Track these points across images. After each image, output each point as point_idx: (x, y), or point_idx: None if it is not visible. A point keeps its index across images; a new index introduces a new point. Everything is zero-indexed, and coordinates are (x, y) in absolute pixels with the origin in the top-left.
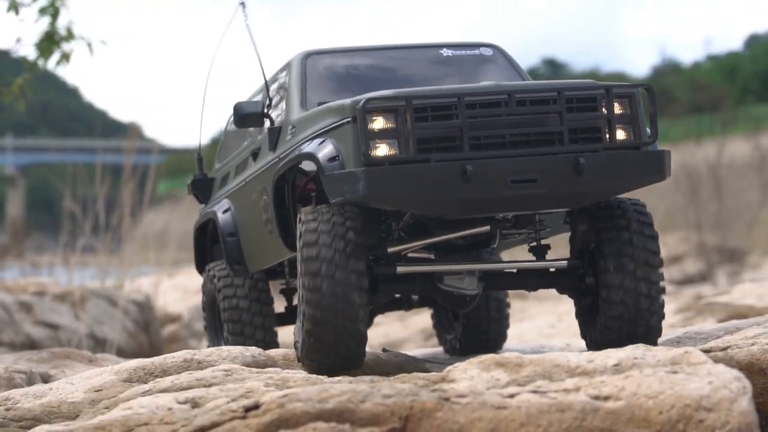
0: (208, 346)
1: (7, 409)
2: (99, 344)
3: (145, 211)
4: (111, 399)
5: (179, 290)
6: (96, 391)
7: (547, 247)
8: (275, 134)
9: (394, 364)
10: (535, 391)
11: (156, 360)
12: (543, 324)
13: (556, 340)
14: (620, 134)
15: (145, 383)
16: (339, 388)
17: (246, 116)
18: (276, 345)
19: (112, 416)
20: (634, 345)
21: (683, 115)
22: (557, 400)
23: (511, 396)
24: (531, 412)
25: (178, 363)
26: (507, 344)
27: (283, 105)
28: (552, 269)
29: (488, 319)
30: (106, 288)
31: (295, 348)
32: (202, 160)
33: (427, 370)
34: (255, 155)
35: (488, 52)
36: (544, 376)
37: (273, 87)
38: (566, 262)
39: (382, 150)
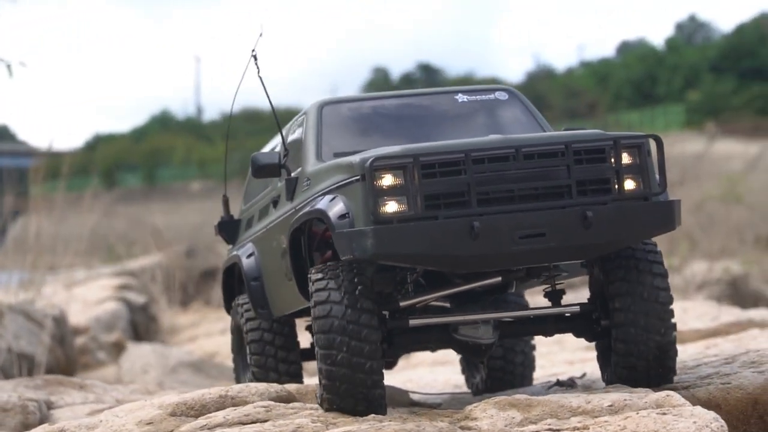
0: (235, 378)
1: None
2: (23, 360)
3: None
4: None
5: (79, 302)
6: (148, 424)
7: (562, 291)
8: (293, 185)
9: (405, 402)
10: (549, 429)
11: (195, 395)
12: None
13: None
14: (629, 184)
15: (190, 416)
16: (391, 427)
17: (262, 167)
18: (301, 379)
19: None
20: (622, 387)
21: (557, 120)
22: None
23: None
24: None
25: (215, 399)
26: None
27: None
28: (567, 314)
29: (513, 362)
30: (21, 303)
31: (320, 403)
32: (228, 201)
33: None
34: (275, 202)
35: (503, 96)
36: (551, 415)
37: (291, 136)
38: (578, 307)
39: (391, 207)
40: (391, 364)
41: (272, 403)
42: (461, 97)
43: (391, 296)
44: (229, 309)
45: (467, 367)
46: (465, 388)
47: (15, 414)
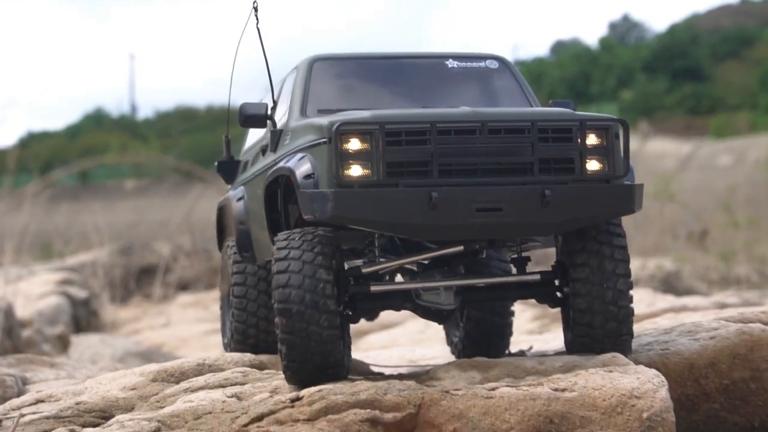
0: (221, 320)
1: (77, 403)
2: None
3: None
4: (157, 396)
5: (21, 296)
6: (132, 389)
7: (528, 258)
8: (277, 137)
9: (366, 374)
10: (509, 386)
11: (174, 364)
12: (413, 330)
13: (425, 344)
14: (594, 166)
15: (171, 382)
16: (365, 385)
17: (249, 117)
18: None
19: (179, 407)
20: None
21: None
22: (529, 392)
23: (494, 389)
24: (511, 400)
25: (193, 367)
26: (381, 346)
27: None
28: (530, 281)
29: (492, 324)
30: None
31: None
32: (229, 141)
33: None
34: (264, 151)
35: (494, 65)
36: (508, 375)
37: (284, 89)
38: (539, 275)
39: (355, 171)
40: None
41: (248, 369)
42: (452, 63)
43: (355, 265)
44: (221, 245)
45: (449, 330)
46: (422, 363)
47: None
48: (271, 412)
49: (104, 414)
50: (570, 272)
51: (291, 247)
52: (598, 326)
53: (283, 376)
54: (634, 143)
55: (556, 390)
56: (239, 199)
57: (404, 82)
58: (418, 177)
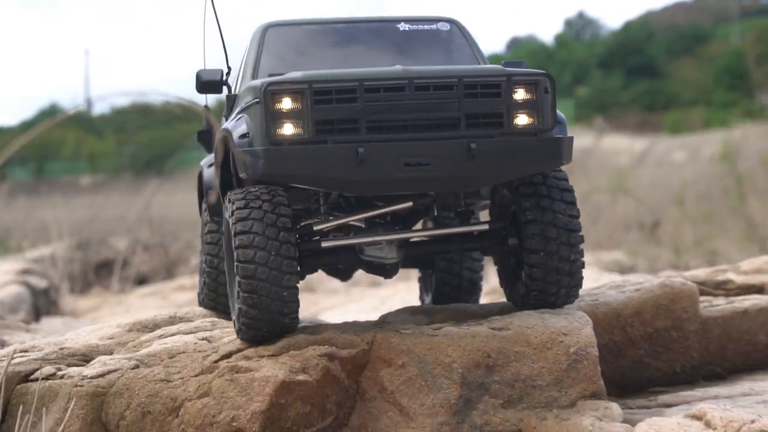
0: (199, 278)
1: (61, 348)
2: None
3: None
4: (134, 342)
5: None
6: (110, 338)
7: (471, 212)
8: (231, 101)
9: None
10: (452, 326)
11: (148, 316)
12: (368, 306)
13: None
14: (522, 120)
15: (145, 332)
16: (324, 327)
17: (205, 83)
18: None
19: (155, 348)
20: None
21: None
22: (470, 330)
23: (439, 328)
24: (453, 337)
25: (166, 319)
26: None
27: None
28: (475, 232)
29: (460, 277)
30: None
31: (234, 325)
32: (209, 110)
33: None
34: (226, 117)
35: (445, 27)
36: (451, 318)
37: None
38: (487, 225)
39: (287, 130)
40: None
41: (216, 319)
42: (404, 26)
43: (308, 220)
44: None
45: (422, 281)
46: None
47: None
48: (239, 350)
49: (86, 357)
50: (523, 228)
51: (251, 206)
52: (553, 280)
53: None
54: (589, 140)
55: (493, 329)
56: (210, 165)
57: (356, 46)
58: (347, 134)
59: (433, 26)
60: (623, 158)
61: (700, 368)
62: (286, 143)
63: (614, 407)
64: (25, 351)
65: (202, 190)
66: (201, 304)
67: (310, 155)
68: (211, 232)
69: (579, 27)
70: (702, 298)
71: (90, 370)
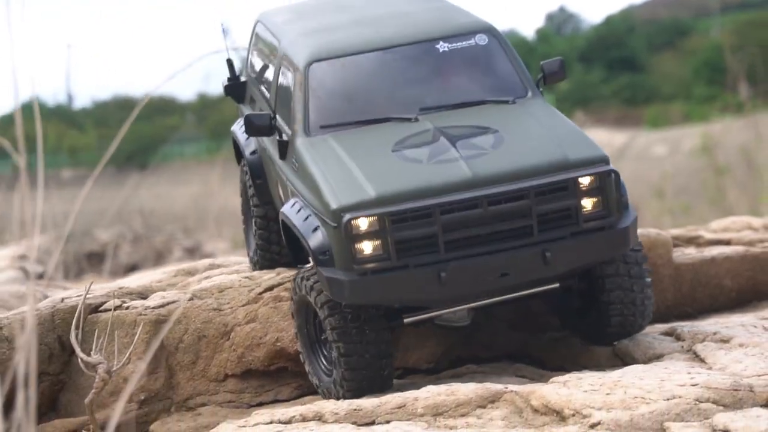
0: (244, 233)
1: (120, 288)
2: None
3: None
4: (182, 282)
5: None
6: (158, 282)
7: None
8: (284, 147)
9: None
10: None
11: (189, 264)
12: None
13: None
14: (591, 212)
15: (190, 277)
16: None
17: (257, 128)
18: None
19: (204, 285)
20: None
21: None
22: None
23: None
24: None
25: (206, 265)
26: None
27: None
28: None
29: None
30: None
31: (324, 394)
32: (232, 63)
33: None
34: (265, 83)
35: (483, 40)
36: None
37: (278, 78)
38: (558, 284)
39: (366, 248)
40: None
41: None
42: (443, 46)
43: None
44: (239, 162)
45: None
46: None
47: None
48: (279, 284)
49: (142, 295)
50: (598, 282)
51: (351, 329)
52: (629, 322)
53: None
54: None
55: None
56: (252, 153)
57: (400, 77)
58: (426, 255)
59: (471, 41)
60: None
61: (673, 308)
62: (368, 266)
63: None
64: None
65: (238, 154)
66: (256, 266)
67: (394, 282)
68: (260, 217)
69: (560, 21)
70: (676, 250)
71: (151, 302)
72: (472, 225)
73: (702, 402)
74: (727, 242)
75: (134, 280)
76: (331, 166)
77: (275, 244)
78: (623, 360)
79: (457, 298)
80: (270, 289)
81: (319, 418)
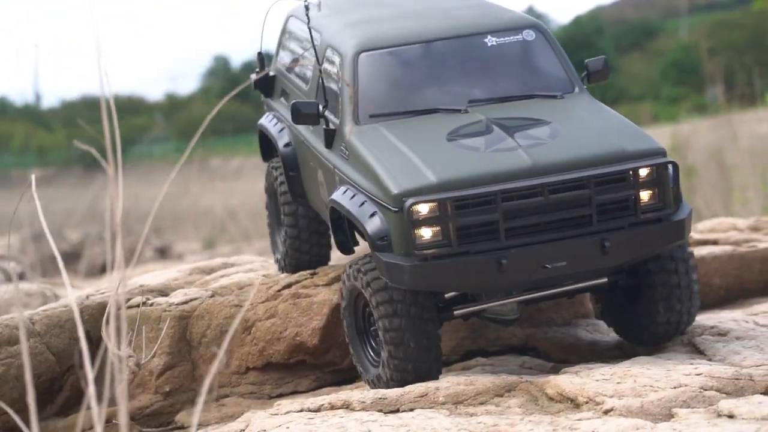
0: (270, 236)
1: (141, 286)
2: None
3: None
4: (200, 280)
5: None
6: (175, 279)
7: None
8: (331, 136)
9: None
10: None
11: (203, 263)
12: None
13: None
14: (648, 203)
15: (205, 275)
16: None
17: (304, 116)
18: (327, 260)
19: (224, 283)
20: None
21: None
22: None
23: None
24: None
25: (219, 264)
26: None
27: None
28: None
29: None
30: None
31: (370, 384)
32: (263, 57)
33: None
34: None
35: (530, 36)
36: None
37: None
38: (606, 279)
39: (425, 236)
40: None
41: (265, 263)
42: (491, 40)
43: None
44: (265, 159)
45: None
46: None
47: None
48: (297, 281)
49: (163, 292)
50: (652, 278)
51: (399, 312)
52: (675, 320)
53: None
54: None
55: None
56: (286, 145)
57: (449, 69)
58: (487, 241)
59: (519, 36)
60: None
61: None
62: (428, 252)
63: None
64: (99, 291)
65: (264, 143)
66: (284, 269)
67: (454, 268)
68: (291, 214)
69: None
70: None
71: (174, 299)
72: (532, 213)
73: (706, 390)
74: (714, 242)
75: (152, 278)
76: (387, 153)
77: (306, 243)
78: (626, 353)
79: (514, 286)
80: (288, 286)
81: (347, 406)
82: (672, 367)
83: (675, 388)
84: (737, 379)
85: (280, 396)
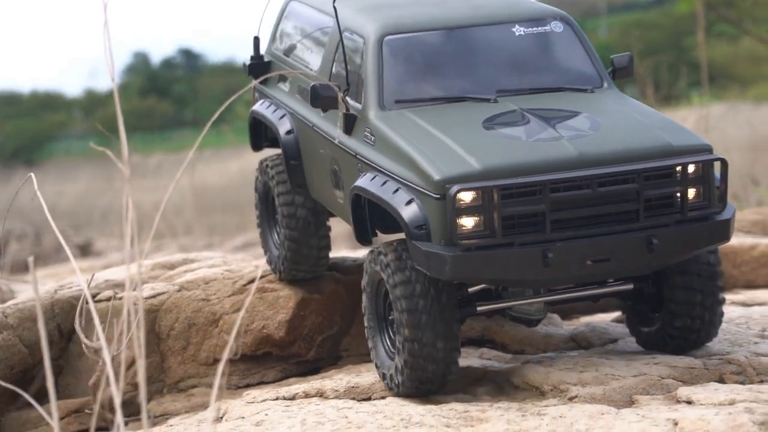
0: (262, 242)
1: (106, 280)
2: None
3: None
4: (164, 275)
5: None
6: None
7: None
8: (351, 121)
9: None
10: None
11: (164, 258)
12: None
13: None
14: (694, 199)
15: (167, 270)
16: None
17: (323, 99)
18: (327, 259)
19: (189, 278)
20: None
21: None
22: None
23: None
24: None
25: (180, 260)
26: None
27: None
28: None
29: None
30: None
31: (383, 377)
32: (258, 41)
33: None
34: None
35: (558, 27)
36: None
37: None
38: (632, 285)
39: (467, 226)
40: None
41: (225, 258)
42: (518, 30)
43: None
44: (255, 148)
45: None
46: None
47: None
48: (263, 276)
49: (124, 288)
50: (673, 292)
51: (419, 295)
52: (696, 327)
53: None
54: None
55: None
56: (288, 132)
57: (475, 57)
58: (532, 233)
59: (547, 27)
60: None
61: None
62: (471, 242)
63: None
64: (64, 286)
65: (257, 140)
66: (281, 276)
67: (498, 259)
68: (288, 204)
69: None
70: None
71: (143, 293)
72: (579, 205)
73: (665, 378)
74: None
75: (115, 274)
76: (422, 140)
77: (305, 245)
78: (580, 344)
79: (558, 281)
80: (252, 281)
81: (321, 394)
82: (631, 356)
83: (635, 376)
84: (692, 368)
85: (248, 387)
